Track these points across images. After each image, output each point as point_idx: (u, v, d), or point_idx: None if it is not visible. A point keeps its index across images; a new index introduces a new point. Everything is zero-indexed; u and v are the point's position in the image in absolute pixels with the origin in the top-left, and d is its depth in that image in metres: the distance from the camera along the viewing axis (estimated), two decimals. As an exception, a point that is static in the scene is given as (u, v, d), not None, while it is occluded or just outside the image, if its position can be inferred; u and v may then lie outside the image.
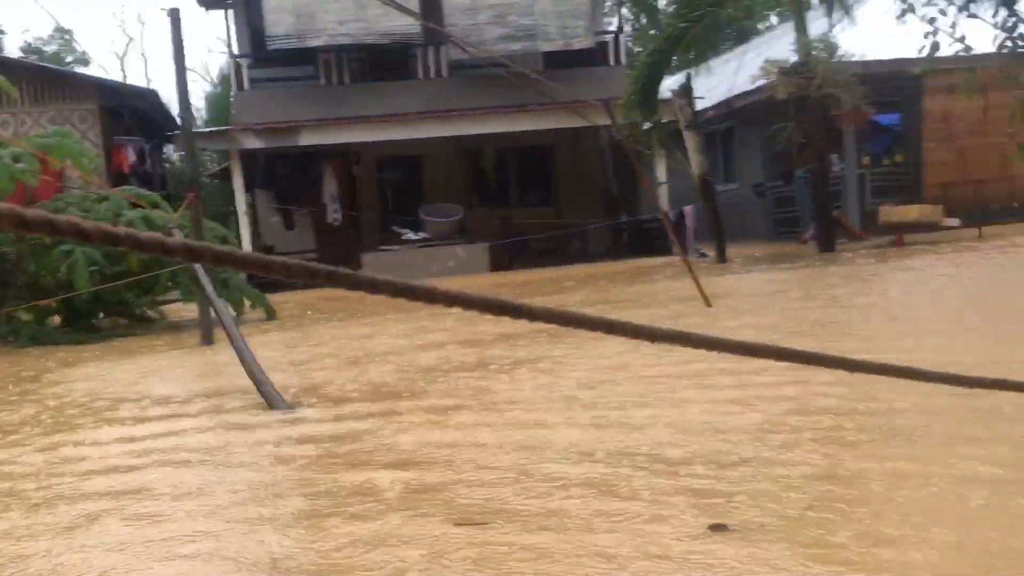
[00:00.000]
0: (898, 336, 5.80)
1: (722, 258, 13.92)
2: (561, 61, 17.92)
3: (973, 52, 11.31)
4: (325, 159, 17.22)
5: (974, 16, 11.18)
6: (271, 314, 10.42)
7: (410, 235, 16.72)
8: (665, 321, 7.59)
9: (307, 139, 16.31)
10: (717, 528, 2.50)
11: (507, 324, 7.51)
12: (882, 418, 3.63)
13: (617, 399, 4.40)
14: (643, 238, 17.68)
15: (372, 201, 18.57)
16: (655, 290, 10.50)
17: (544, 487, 3.01)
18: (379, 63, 17.74)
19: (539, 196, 19.58)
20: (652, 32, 28.35)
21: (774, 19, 29.68)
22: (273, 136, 16.16)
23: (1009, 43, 11.19)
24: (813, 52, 14.10)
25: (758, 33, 27.80)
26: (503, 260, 16.48)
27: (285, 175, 17.35)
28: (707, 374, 4.68)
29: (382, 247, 16.63)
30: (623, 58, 18.34)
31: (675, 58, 19.14)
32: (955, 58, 11.52)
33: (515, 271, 15.84)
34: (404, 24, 16.29)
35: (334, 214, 17.12)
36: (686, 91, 14.29)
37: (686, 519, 2.59)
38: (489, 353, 6.28)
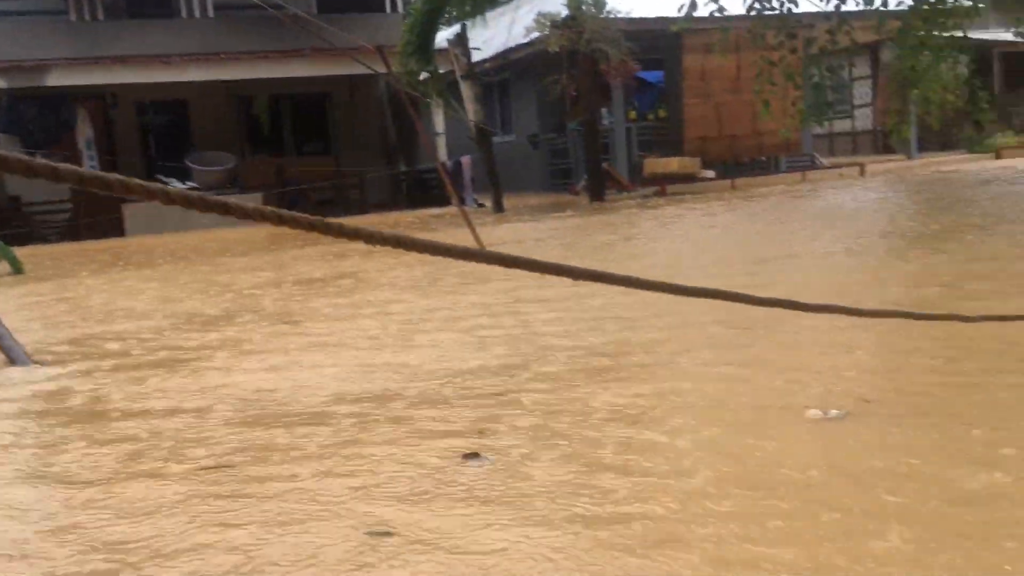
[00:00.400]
0: (652, 271, 6.14)
1: (499, 208, 14.18)
2: (336, 5, 17.43)
3: (726, 13, 12.02)
4: (78, 101, 15.87)
5: (727, -22, 11.88)
6: (18, 268, 9.59)
7: (176, 184, 15.81)
8: (438, 270, 7.65)
9: (56, 79, 14.97)
10: (470, 456, 2.57)
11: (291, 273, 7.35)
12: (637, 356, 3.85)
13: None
14: (423, 188, 17.68)
15: (133, 147, 17.37)
16: (436, 238, 10.52)
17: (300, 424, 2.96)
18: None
19: (316, 145, 19.07)
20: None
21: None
22: (17, 75, 14.73)
23: (758, 5, 11.96)
24: (583, 7, 14.51)
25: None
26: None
27: (32, 118, 15.85)
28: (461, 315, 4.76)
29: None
30: (400, 6, 18.07)
31: (452, 8, 19.13)
32: (710, 18, 12.17)
33: (291, 222, 15.39)
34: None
35: (90, 161, 15.86)
36: (462, 41, 14.32)
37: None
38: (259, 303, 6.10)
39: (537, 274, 1.75)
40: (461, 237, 9.06)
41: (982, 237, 6.78)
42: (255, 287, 7.21)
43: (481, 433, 2.80)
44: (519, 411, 3.04)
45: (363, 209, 16.61)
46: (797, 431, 2.61)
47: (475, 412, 3.07)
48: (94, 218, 14.89)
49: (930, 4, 11.54)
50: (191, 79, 15.64)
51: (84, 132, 15.93)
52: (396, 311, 5.44)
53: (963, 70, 16.44)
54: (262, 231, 14.03)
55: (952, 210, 9.28)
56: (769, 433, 2.59)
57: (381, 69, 11.84)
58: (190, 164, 15.90)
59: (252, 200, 15.63)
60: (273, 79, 16.19)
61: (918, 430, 2.52)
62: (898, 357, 3.43)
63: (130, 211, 14.79)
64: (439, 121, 16.45)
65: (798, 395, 2.93)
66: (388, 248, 1.30)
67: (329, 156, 18.50)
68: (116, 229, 15.03)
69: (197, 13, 16.53)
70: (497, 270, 5.85)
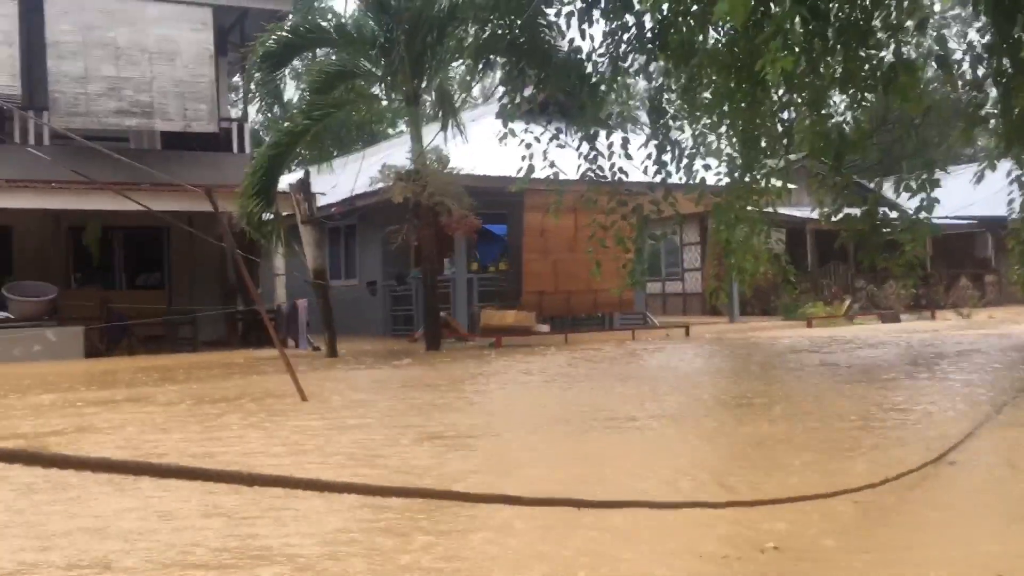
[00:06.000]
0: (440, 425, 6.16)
1: (333, 352, 14.00)
2: (182, 143, 17.33)
3: (563, 177, 12.65)
4: None
5: (562, 146, 12.58)
6: None
7: (-11, 314, 14.90)
8: (256, 415, 7.43)
9: None
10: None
11: None
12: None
13: None
14: (259, 329, 17.29)
15: (-54, 273, 16.36)
16: (258, 383, 10.25)
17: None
18: (-32, 123, 15.94)
19: (151, 278, 18.49)
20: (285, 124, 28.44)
21: (404, 126, 31.23)
22: None
23: (591, 172, 12.66)
24: (427, 162, 14.97)
25: (388, 138, 29.03)
26: (99, 346, 15.23)
27: None
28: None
29: (-48, 326, 14.63)
30: (247, 147, 18.14)
31: (304, 153, 19.38)
32: (547, 180, 12.77)
33: (114, 358, 14.70)
34: (1, 83, 14.85)
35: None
36: (304, 186, 14.44)
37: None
38: None
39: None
40: (284, 382, 8.88)
41: (762, 411, 7.16)
42: None
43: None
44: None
45: (194, 347, 16.06)
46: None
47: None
48: None
49: (744, 183, 12.53)
50: (17, 206, 15.02)
51: None
52: None
53: (777, 244, 17.79)
54: (77, 366, 13.29)
55: (746, 378, 9.81)
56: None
57: (223, 208, 11.73)
58: (6, 293, 15.04)
59: (73, 335, 14.88)
60: (107, 211, 15.75)
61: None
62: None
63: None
64: (279, 263, 16.32)
65: None
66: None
67: (161, 291, 17.93)
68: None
69: (32, 140, 16.05)
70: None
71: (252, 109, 32.94)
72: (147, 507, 4.15)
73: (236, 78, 21.05)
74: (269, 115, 32.18)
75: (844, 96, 12.22)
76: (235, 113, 19.69)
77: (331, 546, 3.38)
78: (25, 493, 4.52)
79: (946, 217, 22.26)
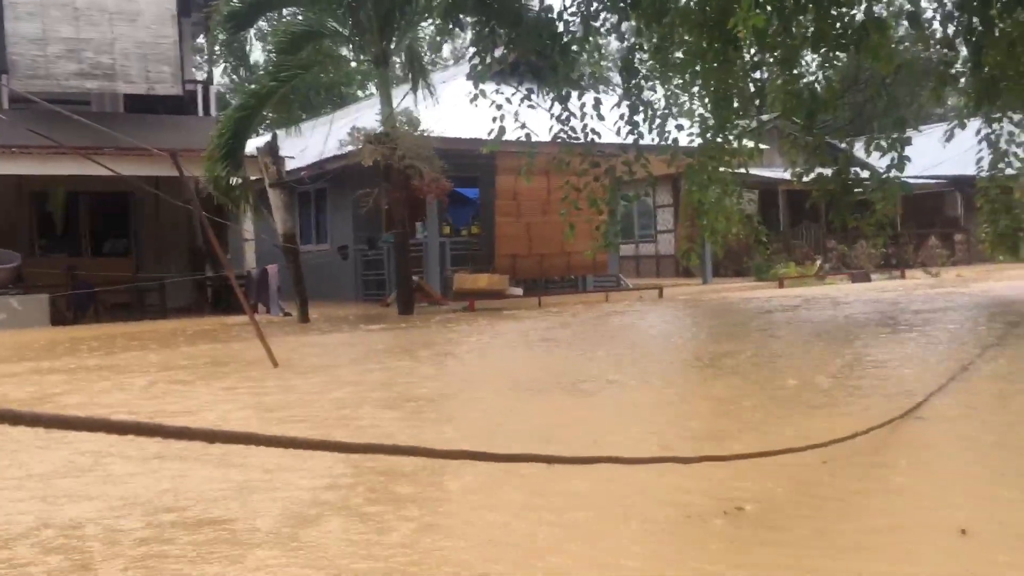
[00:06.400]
0: (408, 389, 6.12)
1: (305, 318, 13.88)
2: (145, 106, 17.00)
3: (535, 139, 12.52)
4: None
5: (533, 107, 12.44)
6: None
7: (-48, 282, 14.62)
8: (226, 381, 7.35)
9: None
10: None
11: None
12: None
13: None
14: (229, 295, 17.12)
15: (-93, 242, 16.01)
16: (227, 350, 10.14)
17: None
18: (-76, 87, 15.53)
19: (117, 245, 18.21)
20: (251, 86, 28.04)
21: (373, 89, 30.86)
22: None
23: (563, 134, 12.55)
24: (397, 124, 14.78)
25: (357, 100, 28.66)
26: (66, 313, 15.02)
27: None
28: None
29: (-88, 296, 14.36)
30: (213, 110, 17.83)
31: (271, 115, 19.07)
32: (519, 142, 12.64)
33: (80, 325, 14.49)
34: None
35: None
36: (272, 149, 14.22)
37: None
38: None
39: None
40: (255, 348, 8.79)
41: (735, 369, 7.18)
42: None
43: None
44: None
45: (163, 314, 15.88)
46: None
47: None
48: None
49: (716, 143, 12.50)
50: (-23, 171, 14.70)
51: None
52: None
53: (749, 205, 17.82)
54: (43, 334, 13.09)
55: (719, 338, 9.85)
56: None
57: (189, 172, 11.52)
58: (-32, 261, 14.77)
59: (38, 302, 14.65)
60: (73, 176, 15.45)
61: None
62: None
63: None
64: (248, 228, 16.11)
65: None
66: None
67: (128, 258, 17.68)
68: None
69: (-9, 104, 15.68)
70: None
71: (217, 71, 32.43)
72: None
73: (200, 39, 20.66)
74: (235, 77, 31.67)
75: (816, 55, 12.18)
76: (200, 75, 19.33)
77: (311, 507, 3.34)
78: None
79: (916, 176, 22.37)
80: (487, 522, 3.08)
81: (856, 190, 11.89)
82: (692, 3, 12.02)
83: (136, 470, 4.16)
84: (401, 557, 2.74)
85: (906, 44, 22.67)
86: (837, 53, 11.74)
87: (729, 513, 3.06)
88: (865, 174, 12.33)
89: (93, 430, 1.35)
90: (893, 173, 11.06)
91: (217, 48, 27.91)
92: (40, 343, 11.64)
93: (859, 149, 12.68)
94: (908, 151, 10.93)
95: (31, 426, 1.25)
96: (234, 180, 14.32)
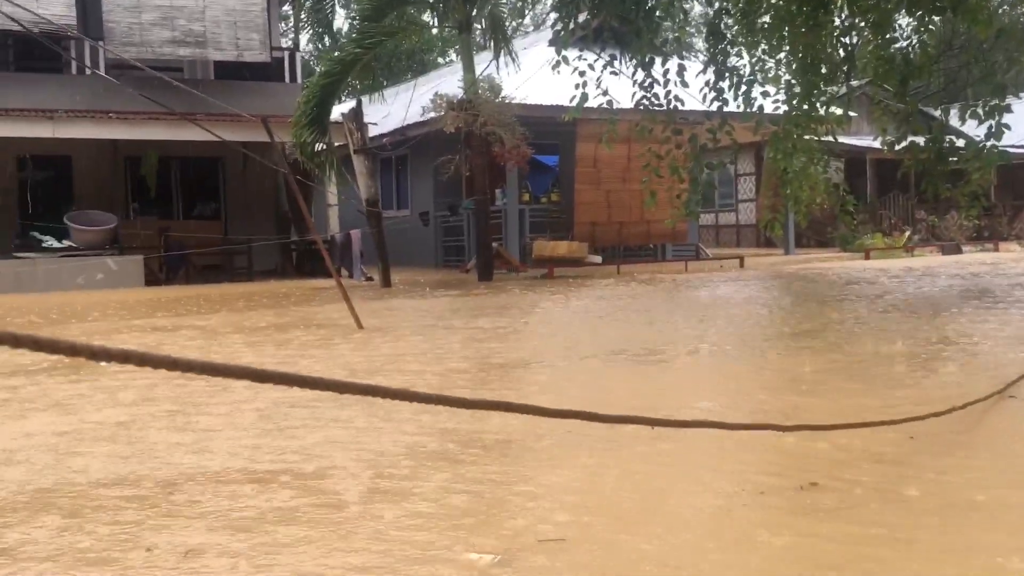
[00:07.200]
0: (504, 356, 6.20)
1: (387, 283, 14.14)
2: (234, 72, 17.40)
3: (617, 106, 12.44)
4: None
5: (616, 73, 12.34)
6: None
7: (52, 242, 15.27)
8: (314, 341, 7.58)
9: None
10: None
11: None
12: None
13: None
14: (315, 258, 17.52)
15: (9, 203, 16.79)
16: (315, 312, 10.42)
17: None
18: (27, 52, 16.14)
19: (207, 209, 18.77)
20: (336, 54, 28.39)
21: (454, 55, 30.92)
22: None
23: (646, 101, 12.43)
24: (479, 91, 14.83)
25: (438, 67, 28.79)
26: (159, 274, 15.58)
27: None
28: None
29: (16, 254, 15.05)
30: (299, 77, 18.14)
31: (355, 82, 19.32)
32: (601, 109, 12.56)
33: (172, 286, 15.03)
34: (57, 13, 14.96)
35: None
36: (357, 115, 14.43)
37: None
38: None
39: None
40: (340, 311, 9.02)
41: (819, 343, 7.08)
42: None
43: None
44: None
45: (250, 277, 16.35)
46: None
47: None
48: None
49: (803, 111, 12.22)
50: (76, 135, 15.27)
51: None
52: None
53: (835, 174, 17.40)
54: (138, 294, 13.63)
55: (802, 311, 9.70)
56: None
57: (277, 138, 11.79)
58: (68, 222, 15.39)
59: (133, 263, 15.23)
60: (165, 140, 15.95)
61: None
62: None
63: (-2, 266, 14.19)
64: (332, 193, 16.42)
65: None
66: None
67: (218, 221, 18.21)
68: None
69: (88, 70, 16.23)
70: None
71: (303, 39, 32.92)
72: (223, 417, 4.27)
73: (286, 7, 20.97)
74: (319, 45, 32.08)
75: (910, 18, 11.78)
76: (286, 43, 19.65)
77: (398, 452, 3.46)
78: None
79: (1014, 145, 21.51)
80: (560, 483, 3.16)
81: (951, 159, 11.51)
82: (781, -34, 11.73)
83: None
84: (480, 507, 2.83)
85: (1005, 7, 21.71)
86: (933, 16, 11.34)
87: (804, 488, 3.04)
88: (960, 143, 11.93)
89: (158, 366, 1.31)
90: (991, 142, 10.68)
91: (303, 16, 28.32)
92: (137, 302, 12.12)
93: (953, 117, 12.27)
94: (1007, 119, 10.53)
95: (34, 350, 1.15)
96: (319, 146, 14.61)
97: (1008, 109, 10.45)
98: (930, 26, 11.82)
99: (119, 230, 15.83)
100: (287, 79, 17.95)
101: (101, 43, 15.81)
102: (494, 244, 15.96)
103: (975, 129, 10.91)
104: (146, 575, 2.41)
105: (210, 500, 3.08)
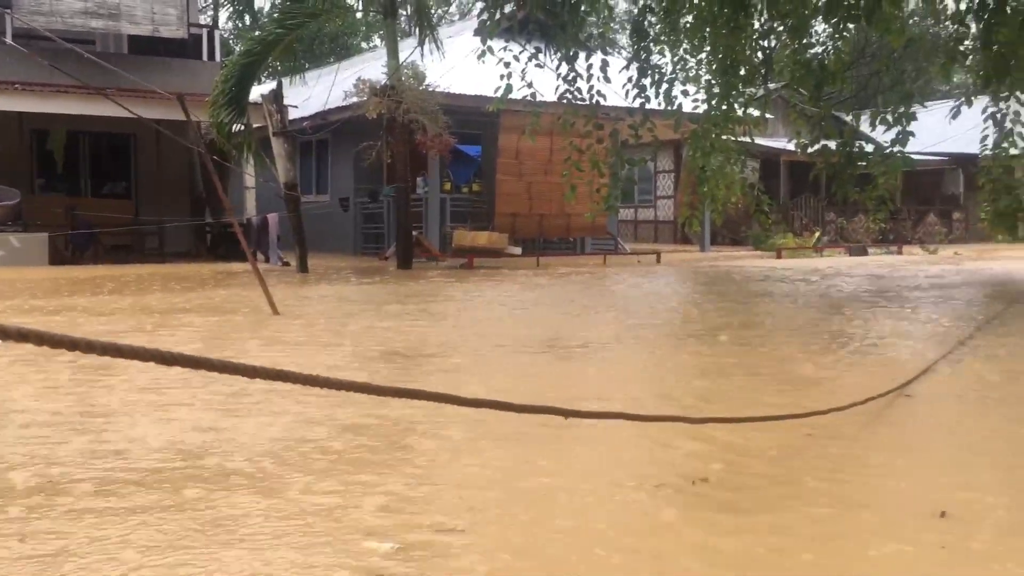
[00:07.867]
0: (407, 343, 6.20)
1: (304, 268, 13.93)
2: (149, 48, 16.88)
3: (540, 98, 12.47)
4: None
5: (540, 66, 12.38)
6: None
7: (-49, 217, 14.62)
8: (227, 326, 7.43)
9: None
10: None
11: None
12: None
13: None
14: (230, 241, 17.14)
15: (-93, 175, 15.98)
16: (229, 295, 10.21)
17: None
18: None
19: (117, 187, 18.19)
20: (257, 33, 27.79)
21: (378, 41, 30.58)
22: None
23: (569, 95, 12.50)
24: (403, 78, 14.71)
25: (361, 52, 28.44)
26: (65, 253, 15.05)
27: None
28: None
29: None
30: (217, 55, 17.70)
31: (276, 64, 18.96)
32: (524, 101, 12.58)
33: (79, 266, 14.53)
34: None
35: None
36: (277, 97, 14.16)
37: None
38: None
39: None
40: (254, 296, 8.86)
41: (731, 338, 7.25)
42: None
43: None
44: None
45: (162, 258, 15.91)
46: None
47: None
48: None
49: (722, 111, 12.47)
50: (-23, 107, 14.63)
51: None
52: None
53: (751, 174, 17.81)
54: (42, 273, 13.13)
55: (716, 306, 9.92)
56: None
57: (193, 117, 11.48)
58: (-32, 197, 14.75)
59: (38, 241, 14.67)
60: (74, 115, 15.37)
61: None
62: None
63: None
64: (249, 176, 16.09)
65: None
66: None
67: (129, 200, 17.67)
68: None
69: (-7, 38, 15.53)
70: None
71: (222, 16, 32.11)
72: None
73: (207, -17, 20.42)
74: (239, 23, 31.36)
75: (826, 26, 12.12)
76: (205, 20, 19.15)
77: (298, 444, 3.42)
78: None
79: (919, 152, 22.36)
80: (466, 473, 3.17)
81: (859, 163, 11.89)
82: (704, -33, 11.93)
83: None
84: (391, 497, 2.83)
85: (916, 18, 22.52)
86: (848, 24, 11.68)
87: (696, 483, 3.08)
88: (869, 148, 12.34)
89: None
90: (896, 148, 11.07)
91: (222, -8, 27.65)
92: (39, 281, 11.68)
93: (864, 123, 12.68)
94: (912, 127, 10.93)
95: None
96: (238, 126, 14.29)
97: (914, 117, 10.85)
98: (845, 33, 12.16)
99: (22, 206, 15.22)
100: (205, 57, 17.49)
101: (8, 11, 15.14)
102: (414, 232, 15.86)
103: (883, 135, 11.30)
104: None
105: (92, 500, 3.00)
